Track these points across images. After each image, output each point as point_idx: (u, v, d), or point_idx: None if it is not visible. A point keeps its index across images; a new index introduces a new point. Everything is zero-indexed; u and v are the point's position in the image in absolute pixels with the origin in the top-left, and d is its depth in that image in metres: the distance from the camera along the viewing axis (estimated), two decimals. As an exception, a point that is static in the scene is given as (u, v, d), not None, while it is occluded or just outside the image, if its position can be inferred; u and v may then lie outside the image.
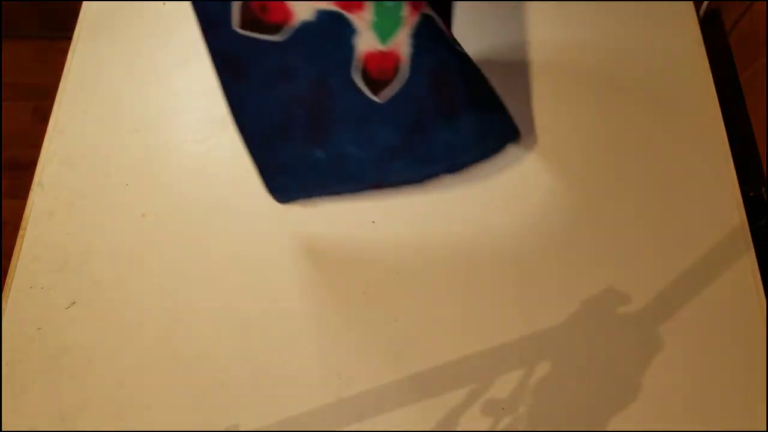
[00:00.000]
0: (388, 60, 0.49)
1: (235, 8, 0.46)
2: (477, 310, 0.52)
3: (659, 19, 0.64)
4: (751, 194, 0.59)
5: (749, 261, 0.53)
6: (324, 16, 0.47)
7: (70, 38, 0.66)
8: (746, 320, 0.51)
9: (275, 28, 0.48)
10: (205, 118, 0.61)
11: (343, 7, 0.47)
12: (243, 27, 0.47)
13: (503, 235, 0.55)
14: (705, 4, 0.67)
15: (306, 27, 0.48)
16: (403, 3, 0.48)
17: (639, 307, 0.52)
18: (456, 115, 0.52)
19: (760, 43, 0.59)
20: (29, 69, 1.17)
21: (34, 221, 0.57)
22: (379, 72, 0.50)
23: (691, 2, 0.65)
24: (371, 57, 0.49)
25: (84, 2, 0.68)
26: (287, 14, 0.47)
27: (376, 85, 0.50)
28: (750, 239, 0.54)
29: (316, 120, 0.51)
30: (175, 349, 0.52)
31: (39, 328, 0.53)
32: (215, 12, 0.47)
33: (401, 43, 0.49)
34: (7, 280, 0.55)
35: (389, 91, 0.50)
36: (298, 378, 0.51)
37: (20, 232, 0.57)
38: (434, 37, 0.51)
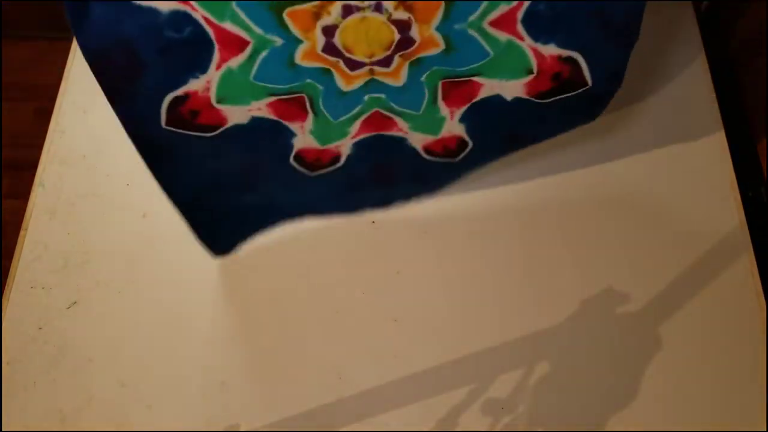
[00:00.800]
0: (326, 153, 0.48)
1: (163, 111, 0.41)
2: (477, 310, 0.53)
3: (659, 19, 0.64)
4: (751, 194, 0.59)
5: (748, 261, 0.53)
6: (258, 122, 0.44)
7: (70, 38, 0.66)
8: (746, 320, 0.51)
9: (206, 129, 0.43)
10: (206, 118, 0.61)
11: (281, 116, 0.44)
12: (169, 125, 0.42)
13: (503, 235, 0.55)
14: (705, 4, 0.67)
15: (240, 127, 0.44)
16: (355, 122, 0.46)
17: (638, 307, 0.52)
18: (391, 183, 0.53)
19: (760, 43, 0.59)
20: (29, 69, 1.17)
21: (35, 221, 0.57)
22: (315, 160, 0.49)
23: (691, 2, 0.65)
24: (307, 151, 0.48)
25: (84, 2, 0.68)
26: (221, 119, 0.43)
27: (311, 168, 0.49)
28: (749, 239, 0.54)
29: (247, 176, 0.49)
30: (175, 349, 0.52)
31: (39, 328, 0.53)
32: (141, 111, 0.41)
33: (343, 146, 0.48)
34: (8, 280, 0.55)
35: (323, 171, 0.50)
36: (298, 378, 0.51)
37: (21, 233, 0.57)
38: (384, 148, 0.49)
